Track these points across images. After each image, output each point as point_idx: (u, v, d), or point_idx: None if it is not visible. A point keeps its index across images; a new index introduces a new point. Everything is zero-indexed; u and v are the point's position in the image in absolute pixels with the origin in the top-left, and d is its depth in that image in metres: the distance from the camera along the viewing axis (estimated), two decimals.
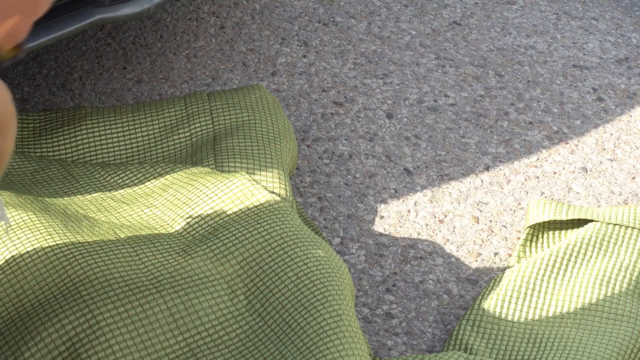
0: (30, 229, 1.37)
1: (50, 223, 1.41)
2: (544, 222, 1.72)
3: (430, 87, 2.04)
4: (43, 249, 1.34)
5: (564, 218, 1.69)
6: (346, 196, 1.78)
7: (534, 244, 1.69)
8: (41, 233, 1.37)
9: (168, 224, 1.51)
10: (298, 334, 1.35)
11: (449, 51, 2.14)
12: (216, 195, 1.53)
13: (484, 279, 1.65)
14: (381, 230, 1.72)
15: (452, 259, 1.68)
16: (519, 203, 1.80)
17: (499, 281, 1.60)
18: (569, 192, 1.83)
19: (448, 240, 1.72)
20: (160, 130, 1.75)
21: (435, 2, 2.30)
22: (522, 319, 1.55)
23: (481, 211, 1.78)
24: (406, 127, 1.94)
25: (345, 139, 1.89)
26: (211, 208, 1.51)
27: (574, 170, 1.88)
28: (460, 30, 2.21)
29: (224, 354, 1.33)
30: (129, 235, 1.46)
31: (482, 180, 1.84)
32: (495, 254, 1.70)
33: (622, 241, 1.66)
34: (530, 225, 1.71)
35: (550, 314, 1.56)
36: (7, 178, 1.61)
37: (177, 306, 1.34)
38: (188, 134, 1.74)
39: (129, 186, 1.62)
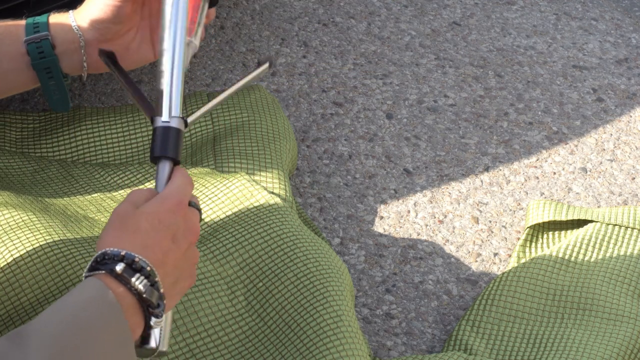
0: (30, 229, 1.37)
1: (50, 223, 1.41)
2: (543, 223, 1.72)
3: (430, 88, 2.04)
4: (43, 249, 1.34)
5: (563, 218, 1.69)
6: (346, 196, 1.78)
7: (533, 244, 1.69)
8: (41, 233, 1.37)
9: None
10: (298, 334, 1.34)
11: (448, 52, 2.14)
12: (216, 195, 1.53)
13: (484, 280, 1.65)
14: (381, 231, 1.72)
15: (452, 259, 1.69)
16: (519, 203, 1.80)
17: (499, 281, 1.60)
18: (568, 192, 1.83)
19: (448, 240, 1.72)
20: None
21: (435, 3, 2.30)
22: (522, 319, 1.55)
23: (481, 212, 1.78)
24: (406, 127, 1.94)
25: (345, 140, 1.89)
26: (210, 209, 1.51)
27: (573, 170, 1.88)
28: (460, 30, 2.22)
29: (223, 354, 1.33)
30: None
31: (481, 181, 1.84)
32: (495, 254, 1.70)
33: (622, 241, 1.66)
34: (530, 226, 1.71)
35: (551, 314, 1.56)
36: (7, 178, 1.61)
37: (177, 307, 1.34)
38: (188, 134, 1.74)
39: (129, 186, 1.62)
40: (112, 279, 0.92)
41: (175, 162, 1.03)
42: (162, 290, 0.94)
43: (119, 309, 0.91)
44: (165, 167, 1.02)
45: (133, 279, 0.92)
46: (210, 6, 1.16)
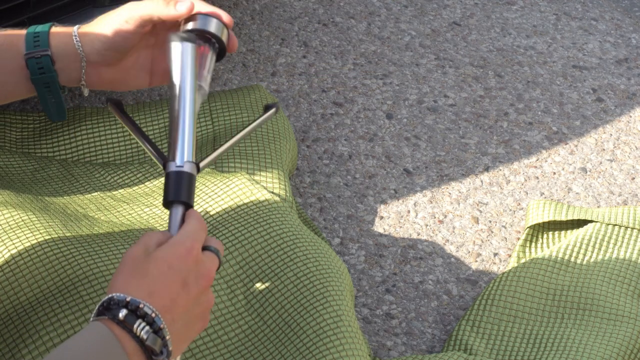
0: (29, 229, 1.37)
1: (50, 223, 1.41)
2: (543, 223, 1.72)
3: (430, 88, 2.04)
4: (42, 248, 1.34)
5: (563, 218, 1.69)
6: (346, 196, 1.78)
7: (533, 244, 1.69)
8: (40, 233, 1.37)
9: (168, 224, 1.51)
10: (298, 334, 1.34)
11: (448, 52, 2.14)
12: (216, 194, 1.53)
13: (484, 280, 1.65)
14: (381, 231, 1.72)
15: (452, 259, 1.68)
16: (519, 203, 1.80)
17: (499, 281, 1.60)
18: (568, 192, 1.83)
19: (448, 240, 1.72)
20: (160, 130, 1.75)
21: (435, 3, 2.30)
22: (522, 319, 1.55)
23: (481, 212, 1.78)
24: (406, 127, 1.94)
25: (345, 140, 1.89)
26: (211, 207, 1.51)
27: (573, 170, 1.88)
28: (460, 30, 2.22)
29: (223, 354, 1.33)
30: (128, 234, 1.46)
31: (481, 181, 1.84)
32: (495, 254, 1.70)
33: (622, 241, 1.66)
34: (530, 226, 1.70)
35: (551, 314, 1.56)
36: (7, 177, 1.61)
37: None
38: None
39: (129, 186, 1.62)
40: (115, 325, 0.92)
41: (188, 207, 1.03)
42: (167, 337, 0.94)
43: (124, 355, 0.91)
44: (178, 211, 1.03)
45: (135, 325, 0.92)
46: (217, 59, 1.16)
